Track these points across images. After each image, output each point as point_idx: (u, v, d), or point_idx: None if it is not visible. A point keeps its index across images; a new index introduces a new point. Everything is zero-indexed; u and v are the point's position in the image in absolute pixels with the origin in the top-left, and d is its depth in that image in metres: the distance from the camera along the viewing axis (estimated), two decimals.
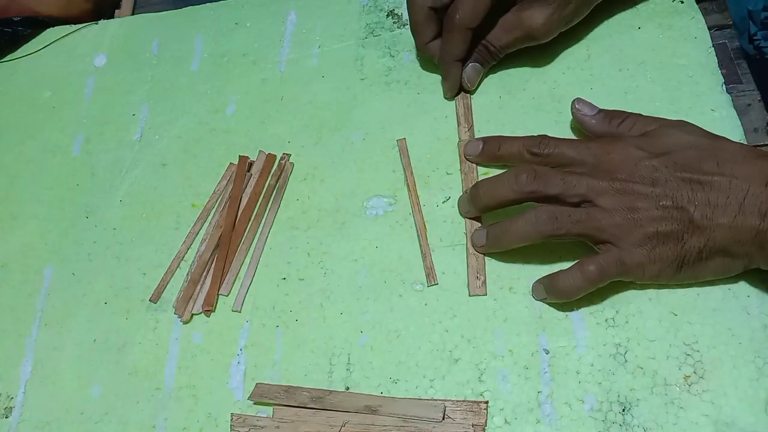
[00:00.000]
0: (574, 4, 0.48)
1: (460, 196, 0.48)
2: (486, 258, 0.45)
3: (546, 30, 0.48)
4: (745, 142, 0.46)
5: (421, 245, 0.47)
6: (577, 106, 0.47)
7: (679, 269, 0.40)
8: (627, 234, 0.40)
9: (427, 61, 0.54)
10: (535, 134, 0.46)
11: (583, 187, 0.41)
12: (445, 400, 0.41)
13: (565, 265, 0.43)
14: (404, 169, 0.50)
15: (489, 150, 0.47)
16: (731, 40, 0.50)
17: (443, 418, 0.40)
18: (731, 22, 0.51)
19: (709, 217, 0.38)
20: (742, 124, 0.46)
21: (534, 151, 0.44)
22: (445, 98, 0.52)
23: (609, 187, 0.40)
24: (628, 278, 0.41)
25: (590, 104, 0.46)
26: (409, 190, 0.49)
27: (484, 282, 0.44)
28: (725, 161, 0.39)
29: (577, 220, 0.40)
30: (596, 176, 0.41)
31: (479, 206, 0.45)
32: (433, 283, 0.45)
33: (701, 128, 0.42)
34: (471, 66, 0.51)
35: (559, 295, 0.42)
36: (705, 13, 0.51)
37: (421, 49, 0.52)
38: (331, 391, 0.43)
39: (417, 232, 0.47)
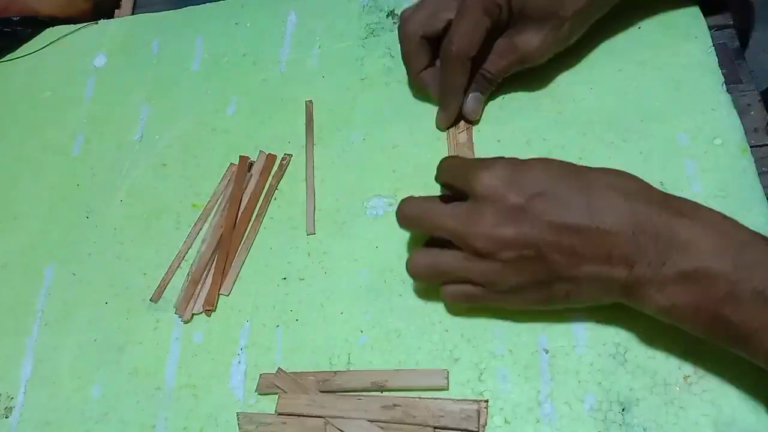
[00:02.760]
0: (569, 24, 0.47)
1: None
2: None
3: (541, 53, 0.47)
4: (746, 142, 0.46)
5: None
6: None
7: (547, 306, 0.41)
8: (489, 283, 0.40)
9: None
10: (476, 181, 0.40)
11: (455, 266, 0.41)
12: (445, 399, 0.41)
13: None
14: (306, 128, 0.53)
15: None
16: (731, 40, 0.50)
17: (447, 386, 0.42)
18: (731, 22, 0.51)
19: (575, 267, 0.37)
20: (742, 124, 0.46)
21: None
22: (438, 128, 0.51)
23: (471, 233, 0.39)
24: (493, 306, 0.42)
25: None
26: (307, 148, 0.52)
27: None
28: (596, 201, 0.36)
29: (449, 270, 0.41)
30: (460, 218, 0.39)
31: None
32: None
33: (565, 163, 0.39)
34: (472, 96, 0.50)
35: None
36: (705, 12, 0.51)
37: (413, 79, 0.52)
38: (335, 372, 0.43)
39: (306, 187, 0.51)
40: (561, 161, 0.39)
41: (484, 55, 0.48)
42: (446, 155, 0.50)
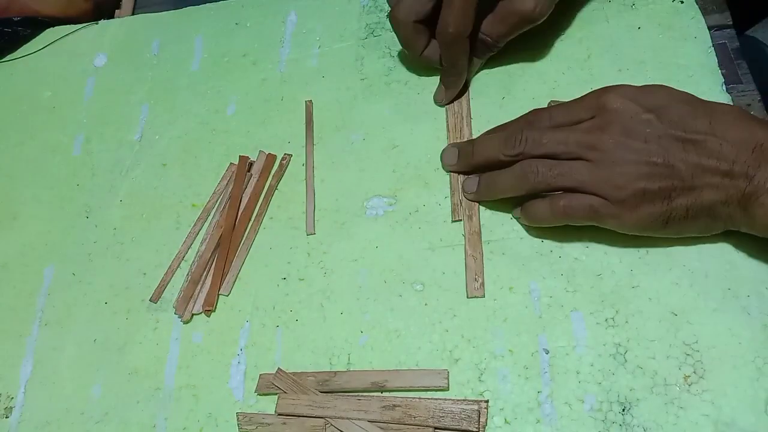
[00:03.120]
0: None
1: (445, 148, 0.49)
2: (485, 259, 0.45)
3: (540, 10, 0.47)
4: None
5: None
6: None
7: (665, 225, 0.41)
8: (612, 189, 0.40)
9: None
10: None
11: (572, 143, 0.41)
12: (445, 400, 0.41)
13: (564, 264, 0.44)
14: (306, 128, 0.53)
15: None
16: (731, 40, 0.50)
17: (447, 387, 0.42)
18: (731, 22, 0.51)
19: (698, 177, 0.39)
20: None
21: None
22: (437, 104, 0.52)
23: (598, 141, 0.41)
24: (604, 226, 0.42)
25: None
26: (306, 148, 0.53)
27: (482, 284, 0.45)
28: (718, 122, 0.39)
29: (560, 173, 0.41)
30: (587, 130, 0.41)
31: (468, 163, 0.47)
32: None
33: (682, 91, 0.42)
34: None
35: (526, 218, 0.44)
36: (705, 13, 0.51)
37: (417, 60, 0.52)
38: (335, 373, 0.43)
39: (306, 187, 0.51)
40: (681, 92, 0.41)
41: (478, 22, 0.48)
42: (448, 143, 0.50)
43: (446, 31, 0.47)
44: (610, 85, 0.43)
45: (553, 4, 0.48)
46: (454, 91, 0.51)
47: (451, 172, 0.49)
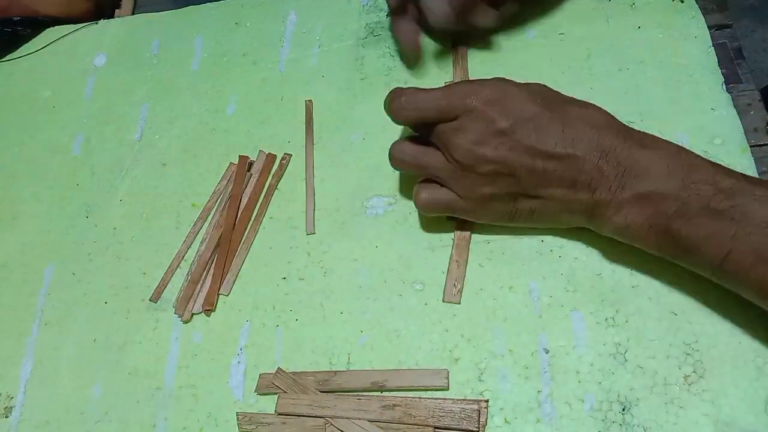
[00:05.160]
0: None
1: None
2: (486, 259, 0.45)
3: None
4: (746, 142, 0.46)
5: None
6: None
7: (511, 220, 0.44)
8: (463, 189, 0.43)
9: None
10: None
11: (436, 132, 0.43)
12: (445, 399, 0.41)
13: (564, 264, 0.44)
14: (305, 127, 0.54)
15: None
16: (731, 40, 0.50)
17: (447, 386, 0.42)
18: (731, 22, 0.51)
19: (542, 188, 0.41)
20: (742, 124, 0.46)
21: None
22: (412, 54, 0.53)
23: (454, 142, 0.42)
24: (461, 217, 0.45)
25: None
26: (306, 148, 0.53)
27: (461, 290, 0.45)
28: (570, 128, 0.40)
29: (423, 164, 0.44)
30: (446, 129, 0.42)
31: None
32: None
33: (551, 92, 0.43)
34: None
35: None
36: (705, 12, 0.51)
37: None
38: (335, 372, 0.43)
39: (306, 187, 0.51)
40: (549, 89, 0.43)
41: None
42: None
43: (431, 15, 0.49)
44: (482, 79, 0.43)
45: None
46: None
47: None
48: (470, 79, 0.52)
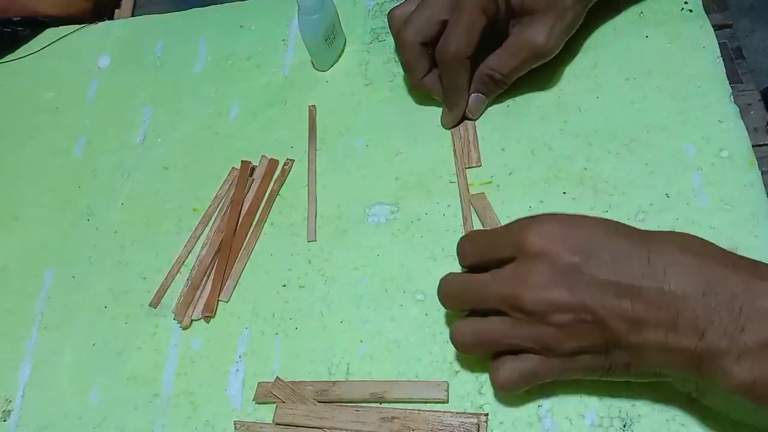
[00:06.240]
0: (572, 11, 0.46)
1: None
2: None
3: (552, 44, 0.46)
4: (753, 155, 0.45)
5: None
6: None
7: (608, 374, 0.37)
8: (544, 349, 0.36)
9: None
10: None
11: (492, 298, 0.37)
12: (444, 412, 0.41)
13: None
14: (309, 133, 0.53)
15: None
16: (731, 40, 0.50)
17: (447, 399, 0.41)
18: (731, 22, 0.50)
19: (635, 333, 0.33)
20: (749, 137, 0.46)
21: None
22: (444, 127, 0.51)
23: (518, 296, 0.35)
24: (552, 379, 0.38)
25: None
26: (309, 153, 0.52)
27: None
28: (657, 258, 0.33)
29: (484, 340, 0.38)
30: (505, 281, 0.36)
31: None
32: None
33: (619, 222, 0.36)
34: (474, 97, 0.49)
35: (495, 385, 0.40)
36: (705, 12, 0.50)
37: (416, 85, 0.51)
38: (334, 382, 0.43)
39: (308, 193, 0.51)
40: (615, 221, 0.36)
41: (481, 53, 0.48)
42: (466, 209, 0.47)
43: (447, 49, 0.46)
44: (536, 215, 0.37)
45: (564, 40, 0.47)
46: (457, 113, 0.50)
47: None
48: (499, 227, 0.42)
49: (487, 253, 0.38)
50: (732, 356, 0.30)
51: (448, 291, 0.40)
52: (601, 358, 0.35)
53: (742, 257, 0.33)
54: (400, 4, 0.50)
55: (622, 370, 0.36)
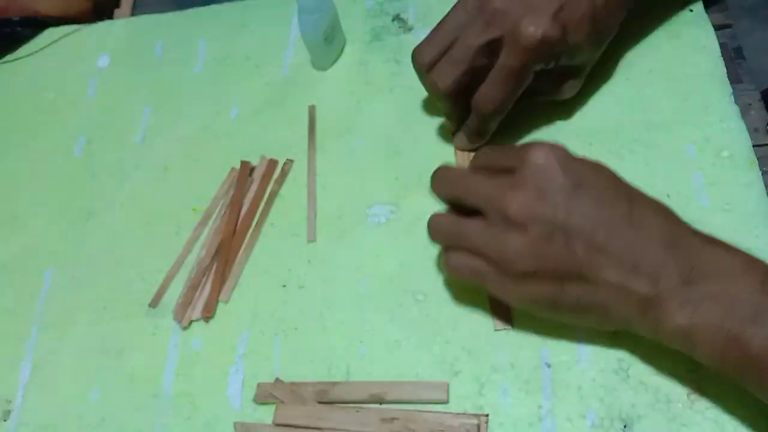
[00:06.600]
0: (591, 65, 0.47)
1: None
2: None
3: (571, 94, 0.48)
4: (753, 155, 0.45)
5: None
6: None
7: (551, 309, 0.38)
8: (502, 261, 0.38)
9: None
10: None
11: (478, 194, 0.39)
12: (444, 413, 0.41)
13: None
14: (308, 133, 0.53)
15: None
16: (731, 40, 0.50)
17: (447, 399, 0.41)
18: (731, 22, 0.50)
19: (597, 268, 0.36)
20: (750, 137, 0.46)
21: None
22: (457, 148, 0.50)
23: (503, 200, 0.37)
24: (491, 293, 0.41)
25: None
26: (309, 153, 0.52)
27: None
28: (637, 208, 0.36)
29: (456, 233, 0.40)
30: (497, 185, 0.39)
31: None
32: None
33: (614, 174, 0.38)
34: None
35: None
36: (705, 12, 0.51)
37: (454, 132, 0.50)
38: (334, 383, 0.43)
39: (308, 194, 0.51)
40: (613, 172, 0.39)
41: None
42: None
43: (485, 107, 0.45)
44: (547, 141, 0.39)
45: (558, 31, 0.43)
46: (475, 143, 0.49)
47: None
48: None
49: (496, 160, 0.41)
50: (676, 302, 0.34)
51: (440, 176, 0.42)
52: (554, 287, 0.37)
53: (701, 231, 0.37)
54: (425, 42, 0.47)
55: (568, 305, 0.37)
